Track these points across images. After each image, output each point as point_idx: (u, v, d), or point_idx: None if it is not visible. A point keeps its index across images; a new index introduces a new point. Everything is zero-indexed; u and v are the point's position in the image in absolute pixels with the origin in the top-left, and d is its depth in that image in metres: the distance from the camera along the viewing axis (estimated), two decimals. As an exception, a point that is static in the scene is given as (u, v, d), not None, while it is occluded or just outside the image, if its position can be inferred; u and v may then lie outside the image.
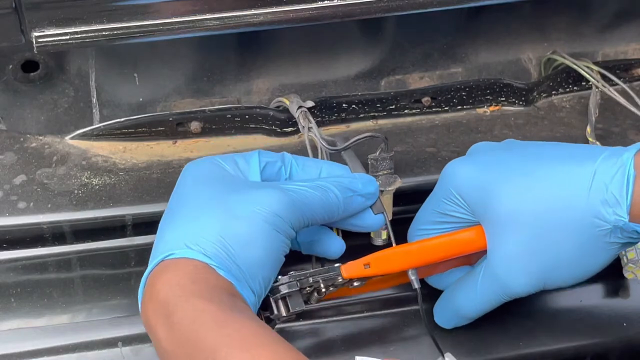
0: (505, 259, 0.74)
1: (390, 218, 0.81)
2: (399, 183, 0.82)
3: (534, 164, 0.74)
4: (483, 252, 0.77)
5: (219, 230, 0.69)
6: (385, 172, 0.82)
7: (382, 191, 0.81)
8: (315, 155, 0.83)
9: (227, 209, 0.70)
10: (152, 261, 0.70)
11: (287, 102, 0.88)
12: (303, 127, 0.85)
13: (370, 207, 0.79)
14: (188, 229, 0.70)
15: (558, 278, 0.74)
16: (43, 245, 0.82)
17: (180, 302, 0.66)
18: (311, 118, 0.85)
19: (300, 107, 0.87)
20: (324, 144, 0.82)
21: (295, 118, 0.87)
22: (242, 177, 0.76)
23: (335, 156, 0.83)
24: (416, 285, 0.76)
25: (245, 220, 0.70)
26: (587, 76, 0.95)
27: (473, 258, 0.79)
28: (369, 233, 0.83)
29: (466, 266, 0.80)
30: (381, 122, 0.93)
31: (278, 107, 0.90)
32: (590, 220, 0.71)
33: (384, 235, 0.82)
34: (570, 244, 0.72)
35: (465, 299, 0.78)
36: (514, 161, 0.75)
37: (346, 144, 0.81)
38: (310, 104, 0.88)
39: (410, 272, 0.76)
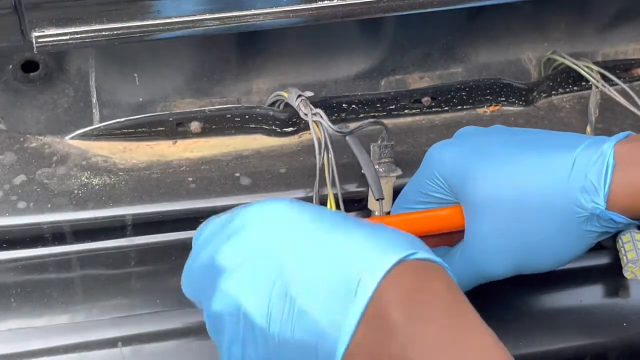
0: (482, 240, 0.74)
1: (389, 209, 0.81)
2: (399, 172, 0.83)
3: (515, 149, 0.74)
4: (463, 234, 0.77)
5: None
6: (386, 160, 0.83)
7: (384, 177, 0.82)
8: (319, 143, 0.82)
9: None
10: (378, 260, 0.58)
11: (286, 95, 0.88)
12: (305, 114, 0.84)
13: (372, 191, 0.79)
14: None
15: (533, 263, 0.74)
16: (43, 245, 0.82)
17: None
18: (312, 106, 0.85)
19: (299, 95, 0.86)
20: (330, 125, 0.81)
21: (294, 116, 0.87)
22: None
23: (338, 146, 0.82)
24: None
25: None
26: (587, 76, 0.95)
27: (454, 239, 0.79)
28: (369, 210, 0.83)
29: (447, 247, 0.81)
30: (381, 122, 0.93)
31: (275, 102, 0.89)
32: (568, 206, 0.71)
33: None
34: (547, 229, 0.72)
35: None
36: (496, 146, 0.75)
37: (352, 128, 0.82)
38: (309, 93, 0.88)
39: None
